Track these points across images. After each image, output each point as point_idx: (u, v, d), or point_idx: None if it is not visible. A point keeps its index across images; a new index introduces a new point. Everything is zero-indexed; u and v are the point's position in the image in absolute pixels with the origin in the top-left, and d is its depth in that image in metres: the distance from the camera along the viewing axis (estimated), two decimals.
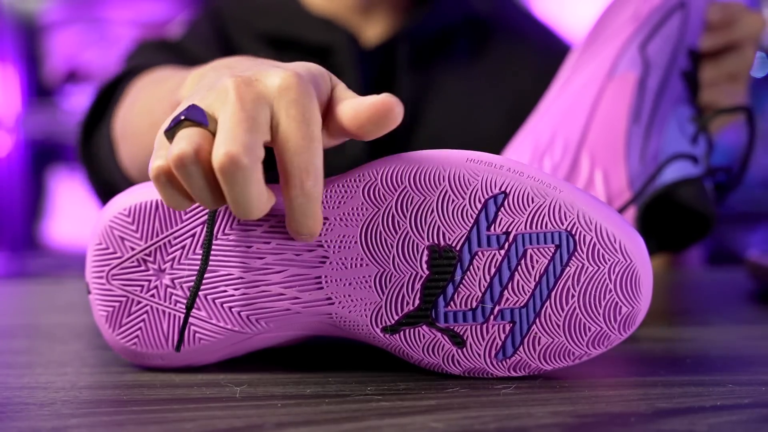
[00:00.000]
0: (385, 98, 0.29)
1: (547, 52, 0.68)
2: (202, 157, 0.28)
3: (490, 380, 0.33)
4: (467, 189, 0.32)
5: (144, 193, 0.34)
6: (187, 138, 0.28)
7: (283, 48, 0.67)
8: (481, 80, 0.69)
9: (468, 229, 0.32)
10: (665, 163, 0.44)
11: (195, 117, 0.28)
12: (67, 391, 0.32)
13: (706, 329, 0.46)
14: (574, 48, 0.50)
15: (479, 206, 0.32)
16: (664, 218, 0.47)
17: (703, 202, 0.44)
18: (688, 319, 0.51)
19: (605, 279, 0.32)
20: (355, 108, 0.30)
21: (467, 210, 0.32)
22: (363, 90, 0.65)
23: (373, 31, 0.69)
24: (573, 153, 0.45)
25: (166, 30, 1.10)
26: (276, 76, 0.29)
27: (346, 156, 0.65)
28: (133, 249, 0.34)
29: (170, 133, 0.29)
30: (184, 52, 0.65)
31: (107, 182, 0.60)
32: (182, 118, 0.28)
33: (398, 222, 0.32)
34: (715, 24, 0.50)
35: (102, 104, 0.61)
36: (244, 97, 0.28)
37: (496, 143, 0.53)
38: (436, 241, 0.32)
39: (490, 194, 0.32)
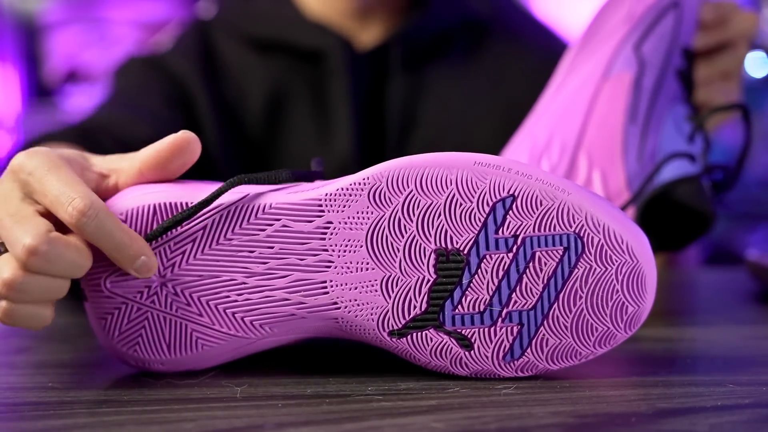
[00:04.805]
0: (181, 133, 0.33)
1: (546, 52, 0.66)
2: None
3: (491, 380, 0.32)
4: (475, 192, 0.30)
5: (141, 197, 0.32)
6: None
7: (273, 53, 0.66)
8: (477, 81, 0.68)
9: (476, 232, 0.31)
10: (663, 162, 0.42)
11: None
12: (67, 391, 0.31)
13: (707, 329, 0.45)
14: (568, 49, 0.48)
15: (487, 209, 0.30)
16: (662, 217, 0.46)
17: (701, 201, 0.43)
18: (688, 319, 0.50)
19: (612, 280, 0.31)
20: (156, 147, 0.33)
21: (475, 213, 0.30)
22: (355, 93, 0.64)
23: (369, 35, 0.67)
24: (570, 154, 0.43)
25: (165, 30, 1.07)
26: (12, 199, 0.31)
27: (334, 152, 0.63)
28: None
29: None
30: (165, 68, 0.65)
31: None
32: None
33: (405, 225, 0.31)
34: (708, 23, 0.48)
35: None
36: (10, 212, 0.30)
37: (491, 145, 0.51)
38: (443, 245, 0.31)
39: (499, 197, 0.30)
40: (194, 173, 0.34)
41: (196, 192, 0.32)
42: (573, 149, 0.44)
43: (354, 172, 0.31)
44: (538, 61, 0.66)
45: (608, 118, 0.44)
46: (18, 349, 0.41)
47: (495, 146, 0.50)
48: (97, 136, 0.52)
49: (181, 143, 0.32)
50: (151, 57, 0.67)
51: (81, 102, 1.40)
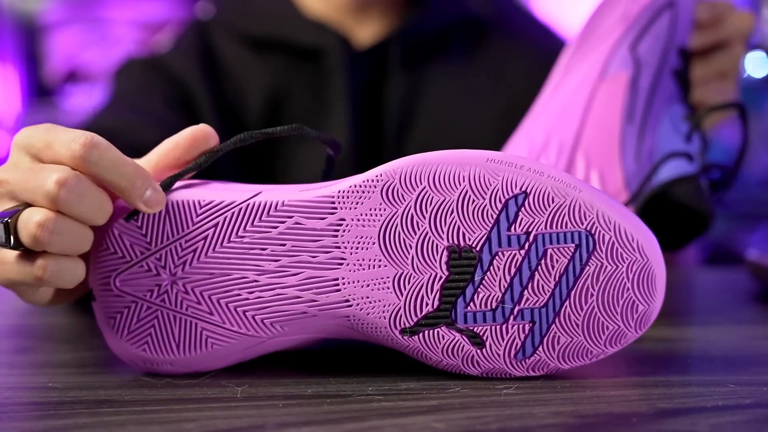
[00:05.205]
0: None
1: (545, 52, 0.65)
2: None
3: (492, 380, 0.31)
4: (488, 189, 0.30)
5: None
6: (26, 218, 0.29)
7: (272, 51, 0.65)
8: (476, 80, 0.67)
9: (488, 229, 0.30)
10: (660, 162, 0.42)
11: (6, 213, 0.29)
12: (67, 390, 0.31)
13: (707, 329, 0.45)
14: (564, 50, 0.47)
15: (500, 206, 0.30)
16: (660, 217, 0.45)
17: (699, 200, 0.42)
18: (688, 319, 0.49)
19: (623, 278, 0.30)
20: (174, 140, 0.32)
21: (488, 210, 0.30)
22: (353, 91, 0.62)
23: (367, 32, 0.66)
24: (568, 154, 0.42)
25: (165, 30, 1.05)
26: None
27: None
28: (142, 253, 0.31)
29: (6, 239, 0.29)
30: (166, 69, 0.64)
31: None
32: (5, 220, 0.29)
33: (417, 222, 0.30)
34: (703, 23, 0.48)
35: None
36: (25, 169, 0.30)
37: (489, 143, 0.50)
38: (456, 242, 0.30)
39: (511, 194, 0.30)
40: (194, 173, 0.33)
41: (212, 191, 0.31)
42: (570, 149, 0.43)
43: (351, 171, 0.30)
44: (538, 60, 0.65)
45: (605, 118, 0.43)
46: (18, 349, 0.40)
47: (493, 145, 0.49)
48: (109, 141, 0.51)
49: (199, 135, 0.32)
50: (151, 58, 0.65)
51: (81, 102, 1.38)
